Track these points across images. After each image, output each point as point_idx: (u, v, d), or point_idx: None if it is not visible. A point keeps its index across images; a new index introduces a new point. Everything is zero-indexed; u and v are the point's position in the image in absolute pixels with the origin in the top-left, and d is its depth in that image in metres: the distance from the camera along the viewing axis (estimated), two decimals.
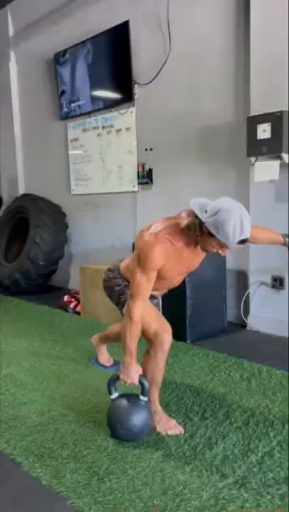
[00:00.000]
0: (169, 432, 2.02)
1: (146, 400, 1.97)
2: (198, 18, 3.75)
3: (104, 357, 2.84)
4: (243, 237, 1.73)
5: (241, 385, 2.52)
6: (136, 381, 1.94)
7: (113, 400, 2.00)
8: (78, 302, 4.24)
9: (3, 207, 6.12)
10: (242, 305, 3.61)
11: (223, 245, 1.78)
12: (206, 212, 1.75)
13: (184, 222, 1.84)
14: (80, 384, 2.61)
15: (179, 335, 3.18)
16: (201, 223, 1.77)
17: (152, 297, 2.12)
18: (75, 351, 3.17)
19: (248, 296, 3.56)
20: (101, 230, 4.97)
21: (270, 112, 3.08)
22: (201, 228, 1.78)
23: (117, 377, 1.98)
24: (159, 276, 1.92)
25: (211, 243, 1.80)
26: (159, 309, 2.24)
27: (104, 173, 4.81)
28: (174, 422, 2.07)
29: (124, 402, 1.97)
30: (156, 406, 2.12)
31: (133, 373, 1.93)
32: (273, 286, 3.37)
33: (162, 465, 1.80)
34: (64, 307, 4.31)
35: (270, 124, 3.07)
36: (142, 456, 1.86)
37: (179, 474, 1.73)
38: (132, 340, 1.91)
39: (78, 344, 3.31)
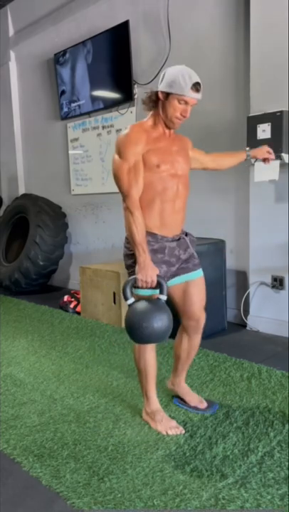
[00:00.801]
0: (169, 432, 2.02)
1: (165, 298, 1.88)
2: (198, 18, 3.75)
3: (193, 396, 2.27)
4: (194, 80, 1.85)
5: (241, 385, 2.52)
6: (155, 279, 1.86)
7: (130, 304, 1.89)
8: (78, 302, 4.24)
9: (3, 207, 6.12)
10: (242, 305, 3.61)
11: (181, 100, 1.87)
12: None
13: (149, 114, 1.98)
14: (80, 384, 2.61)
15: None
16: (157, 94, 1.92)
17: (172, 251, 2.01)
18: (75, 351, 3.17)
19: (248, 296, 3.56)
20: (101, 230, 4.97)
21: (270, 111, 3.08)
22: (158, 98, 1.92)
23: (134, 280, 1.88)
24: (150, 168, 1.89)
25: (171, 105, 1.89)
26: (196, 264, 2.12)
27: (104, 173, 4.81)
28: (174, 422, 2.07)
29: (144, 302, 1.87)
30: (157, 405, 2.12)
31: (151, 272, 1.86)
32: (273, 286, 3.37)
33: (162, 465, 1.80)
34: (64, 307, 4.31)
35: (270, 124, 3.07)
36: (142, 456, 1.86)
37: (179, 474, 1.73)
38: (141, 235, 1.86)
39: (78, 344, 3.31)
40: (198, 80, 1.88)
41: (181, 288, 2.10)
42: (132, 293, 1.90)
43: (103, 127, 4.73)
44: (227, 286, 3.57)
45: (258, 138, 3.12)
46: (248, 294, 3.55)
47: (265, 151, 2.32)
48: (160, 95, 1.91)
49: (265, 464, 1.78)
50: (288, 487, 1.64)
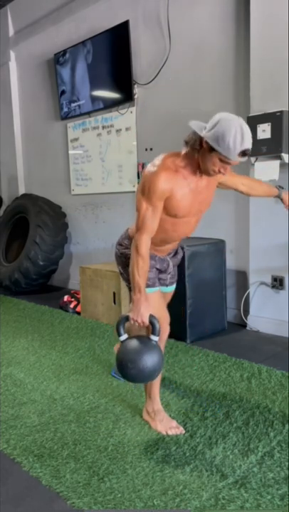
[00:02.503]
0: (169, 432, 2.02)
1: (157, 339, 1.87)
2: (198, 18, 3.75)
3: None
4: (244, 147, 1.66)
5: (241, 385, 2.52)
6: (146, 320, 1.83)
7: (122, 341, 1.89)
8: (78, 302, 4.24)
9: (3, 207, 6.12)
10: (242, 305, 3.61)
11: (224, 161, 1.70)
12: (205, 129, 1.71)
13: (184, 141, 1.81)
14: (80, 384, 2.61)
15: (179, 335, 3.19)
16: (201, 139, 1.71)
17: (163, 261, 2.05)
18: (75, 351, 3.17)
19: (248, 296, 3.56)
20: (101, 230, 4.97)
21: (270, 111, 3.08)
22: (201, 144, 1.72)
23: (127, 318, 1.87)
24: (171, 213, 1.83)
25: (211, 159, 1.71)
26: (173, 281, 2.15)
27: (104, 173, 4.81)
28: (174, 422, 2.07)
29: (134, 342, 1.87)
30: (158, 405, 2.12)
31: (144, 312, 1.82)
32: (273, 286, 3.37)
33: (162, 465, 1.80)
34: (64, 307, 4.31)
35: (270, 124, 3.07)
36: (142, 456, 1.86)
37: (179, 474, 1.73)
38: (141, 276, 1.81)
39: (78, 344, 3.31)
40: (250, 147, 1.69)
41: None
42: (124, 330, 1.91)
43: (103, 127, 4.73)
44: (227, 286, 3.57)
45: (258, 138, 3.12)
46: (248, 294, 3.55)
47: None
48: (204, 143, 1.71)
49: (265, 463, 1.78)
50: (288, 487, 1.64)
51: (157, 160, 1.82)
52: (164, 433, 2.02)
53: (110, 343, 3.30)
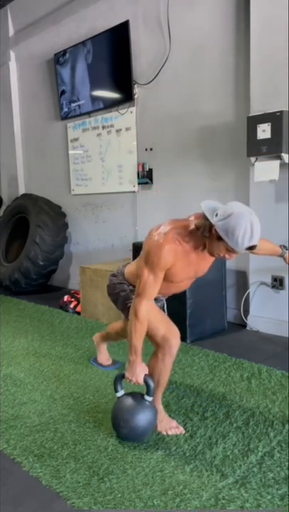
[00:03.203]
0: (169, 432, 2.02)
1: (150, 400, 1.96)
2: (198, 18, 3.75)
3: (104, 356, 2.84)
4: (252, 243, 1.71)
5: (241, 385, 2.52)
6: (141, 380, 1.91)
7: (118, 397, 1.99)
8: (78, 302, 4.24)
9: (3, 207, 6.12)
10: (242, 305, 3.61)
11: (230, 250, 1.76)
12: (216, 215, 1.73)
13: (193, 224, 1.84)
14: (80, 384, 2.61)
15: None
16: (211, 225, 1.75)
17: (157, 300, 2.12)
18: (75, 351, 3.17)
19: (248, 296, 3.56)
20: (101, 230, 4.97)
21: (270, 111, 3.08)
22: (210, 230, 1.77)
23: (123, 376, 1.96)
24: (167, 279, 1.91)
25: (218, 247, 1.78)
26: (164, 311, 2.23)
27: (104, 173, 4.81)
28: (174, 422, 2.07)
29: (128, 401, 1.96)
30: (159, 406, 2.12)
31: (138, 372, 1.91)
32: (273, 286, 3.37)
33: (162, 465, 1.80)
34: (64, 307, 4.31)
35: (270, 124, 3.07)
36: (142, 456, 1.86)
37: (179, 474, 1.73)
38: (138, 339, 1.89)
39: (78, 344, 3.31)
40: (256, 244, 1.72)
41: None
42: (121, 386, 2.00)
43: (103, 127, 4.73)
44: (227, 286, 3.57)
45: (258, 138, 3.12)
46: (248, 294, 3.55)
47: None
48: (213, 230, 1.74)
49: (265, 463, 1.78)
50: (288, 487, 1.64)
51: (164, 229, 1.85)
52: (164, 433, 2.02)
53: (110, 343, 3.29)
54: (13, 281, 4.99)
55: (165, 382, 2.08)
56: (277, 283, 3.34)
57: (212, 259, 2.01)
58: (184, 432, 2.03)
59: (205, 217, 1.77)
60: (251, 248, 1.73)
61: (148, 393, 1.94)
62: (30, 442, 2.00)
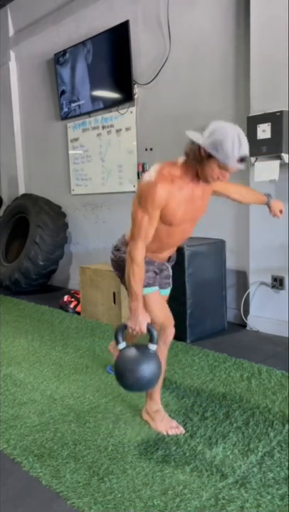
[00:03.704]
0: (170, 432, 2.02)
1: (155, 348, 1.87)
2: (198, 18, 3.75)
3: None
4: (242, 153, 1.69)
5: (241, 385, 2.52)
6: (144, 329, 1.85)
7: (121, 350, 1.90)
8: (78, 302, 4.24)
9: (3, 207, 6.12)
10: (242, 305, 3.61)
11: (223, 167, 1.73)
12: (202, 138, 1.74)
13: (181, 160, 1.84)
14: (80, 384, 2.61)
15: (179, 335, 3.17)
16: (199, 148, 1.73)
17: (162, 269, 2.07)
18: (75, 351, 3.17)
19: (248, 296, 3.56)
20: (101, 230, 4.97)
21: (270, 111, 3.08)
22: (200, 153, 1.74)
23: (125, 326, 1.88)
24: (166, 221, 1.85)
25: (210, 167, 1.74)
26: (169, 283, 2.17)
27: (104, 173, 4.81)
28: (174, 422, 2.07)
29: (132, 351, 1.87)
30: (158, 405, 2.12)
31: (141, 320, 1.83)
32: (273, 286, 3.37)
33: (162, 465, 1.80)
34: (64, 307, 4.31)
35: (270, 124, 3.07)
36: (142, 456, 1.86)
37: (179, 474, 1.73)
38: (138, 283, 1.83)
39: (78, 344, 3.31)
40: (247, 154, 1.72)
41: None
42: (122, 338, 1.91)
43: (103, 127, 4.73)
44: (227, 286, 3.57)
45: (258, 138, 3.12)
46: (248, 294, 3.55)
47: (279, 207, 2.29)
48: (202, 151, 1.73)
49: (265, 463, 1.78)
50: (288, 487, 1.64)
51: (153, 170, 1.83)
52: (164, 433, 2.02)
53: (110, 343, 3.30)
54: (13, 281, 4.99)
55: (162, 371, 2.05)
56: (277, 283, 3.34)
57: (208, 195, 1.98)
58: (184, 431, 2.03)
59: (192, 143, 1.77)
60: (242, 160, 1.71)
61: (152, 341, 1.86)
62: (30, 442, 2.00)
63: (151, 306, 1.93)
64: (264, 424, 2.07)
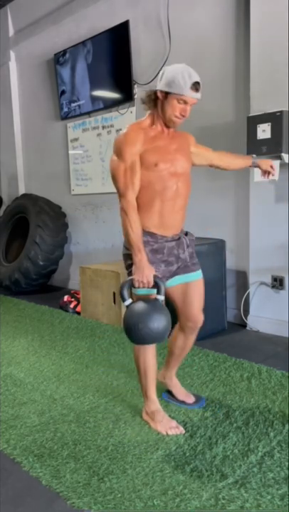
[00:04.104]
0: (169, 432, 2.02)
1: (163, 298, 1.86)
2: (198, 18, 3.75)
3: (181, 392, 2.32)
4: (193, 80, 1.82)
5: (241, 385, 2.52)
6: (152, 281, 1.84)
7: (128, 305, 1.88)
8: (78, 302, 4.24)
9: (3, 207, 6.12)
10: (242, 305, 3.61)
11: (180, 100, 1.84)
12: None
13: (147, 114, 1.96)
14: (80, 384, 2.61)
15: None
16: (156, 93, 1.88)
17: (171, 251, 2.01)
18: (75, 351, 3.16)
19: (248, 296, 3.56)
20: (101, 230, 4.97)
21: (270, 111, 3.08)
22: (157, 97, 1.89)
23: (130, 281, 1.86)
24: (149, 164, 1.88)
25: (170, 105, 1.86)
26: (195, 264, 2.14)
27: (104, 173, 4.81)
28: (174, 422, 2.07)
29: (141, 304, 1.85)
30: (157, 404, 2.12)
31: (148, 273, 1.84)
32: (273, 286, 3.37)
33: (162, 465, 1.80)
34: (64, 307, 4.31)
35: (270, 124, 3.07)
36: (142, 456, 1.86)
37: (179, 474, 1.73)
38: (136, 234, 1.85)
39: (78, 344, 3.31)
40: (198, 80, 1.85)
41: (180, 288, 2.10)
42: (129, 294, 1.89)
43: (103, 127, 4.73)
44: (227, 286, 3.57)
45: (258, 138, 3.12)
46: (248, 294, 3.55)
47: (269, 164, 2.30)
48: (159, 94, 1.88)
49: (265, 463, 1.78)
50: (288, 487, 1.64)
51: (124, 129, 1.94)
52: (164, 433, 2.02)
53: (110, 343, 3.30)
54: (13, 281, 4.99)
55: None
56: (277, 283, 3.34)
57: (187, 153, 2.03)
58: (183, 431, 2.03)
59: (148, 91, 1.94)
60: (197, 90, 1.84)
61: (159, 292, 1.85)
62: (30, 442, 2.00)
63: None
64: (264, 424, 2.07)
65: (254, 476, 1.70)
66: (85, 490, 1.66)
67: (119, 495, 1.63)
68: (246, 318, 3.57)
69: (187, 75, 1.82)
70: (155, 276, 1.85)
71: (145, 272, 1.84)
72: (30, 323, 3.91)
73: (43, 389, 2.56)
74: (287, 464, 1.78)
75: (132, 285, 1.91)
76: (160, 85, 1.86)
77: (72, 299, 4.32)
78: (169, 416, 2.13)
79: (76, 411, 2.28)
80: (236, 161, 2.32)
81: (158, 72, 4.25)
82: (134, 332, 1.83)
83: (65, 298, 4.37)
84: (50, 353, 3.15)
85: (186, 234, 2.11)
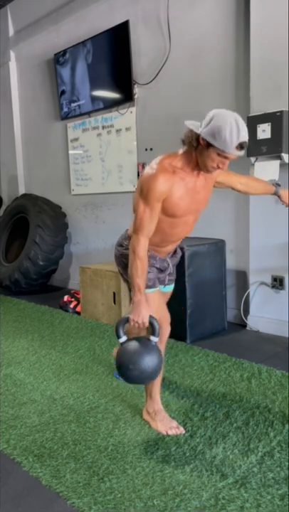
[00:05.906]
0: (169, 432, 2.02)
1: (156, 340, 1.87)
2: (198, 18, 3.75)
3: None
4: (241, 139, 1.67)
5: (241, 385, 2.52)
6: (147, 322, 1.84)
7: (122, 343, 1.89)
8: (78, 302, 4.24)
9: (3, 207, 6.12)
10: (242, 305, 3.61)
11: (222, 155, 1.71)
12: (201, 127, 1.73)
13: (182, 151, 1.83)
14: (80, 384, 2.61)
15: (179, 335, 3.19)
16: (198, 137, 1.73)
17: (163, 261, 2.05)
18: (75, 351, 3.17)
19: (248, 296, 3.56)
20: (101, 230, 4.97)
21: (270, 111, 3.08)
22: (198, 141, 1.73)
23: (126, 320, 1.87)
24: (169, 213, 1.84)
25: (210, 156, 1.73)
26: (173, 279, 2.17)
27: (104, 173, 4.81)
28: (174, 422, 2.07)
29: (135, 343, 1.86)
30: (159, 405, 2.12)
31: (144, 313, 1.83)
32: (273, 286, 3.37)
33: (162, 465, 1.80)
34: (64, 307, 4.31)
35: (270, 124, 3.07)
36: (142, 456, 1.86)
37: (179, 474, 1.73)
38: (140, 277, 1.82)
39: (78, 344, 3.31)
40: (246, 140, 1.70)
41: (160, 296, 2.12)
42: (123, 331, 1.90)
43: (103, 127, 4.73)
44: (227, 286, 3.57)
45: (258, 138, 3.12)
46: (248, 294, 3.55)
47: None
48: (201, 141, 1.73)
49: (265, 464, 1.78)
50: (288, 487, 1.64)
51: (154, 162, 1.82)
52: (164, 433, 2.02)
53: (110, 343, 3.30)
54: (13, 281, 4.99)
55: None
56: (277, 283, 3.34)
57: (211, 185, 1.97)
58: (184, 431, 2.03)
59: (190, 132, 1.77)
60: (242, 147, 1.69)
61: (153, 334, 1.86)
62: (30, 442, 2.00)
63: (150, 305, 1.92)
64: (264, 424, 2.07)
65: (254, 476, 1.70)
66: (85, 490, 1.66)
67: (119, 495, 1.63)
68: (246, 318, 3.57)
69: (235, 133, 1.65)
70: (150, 317, 1.85)
71: (142, 312, 1.82)
72: (30, 323, 3.91)
73: (43, 389, 2.56)
74: (287, 463, 1.78)
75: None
76: (204, 131, 1.70)
77: (72, 299, 4.33)
78: (169, 416, 2.13)
79: (76, 411, 2.28)
80: (259, 188, 2.23)
81: (158, 72, 4.27)
82: (125, 372, 1.86)
83: (65, 298, 4.37)
84: (50, 353, 3.15)
85: (176, 251, 2.15)
